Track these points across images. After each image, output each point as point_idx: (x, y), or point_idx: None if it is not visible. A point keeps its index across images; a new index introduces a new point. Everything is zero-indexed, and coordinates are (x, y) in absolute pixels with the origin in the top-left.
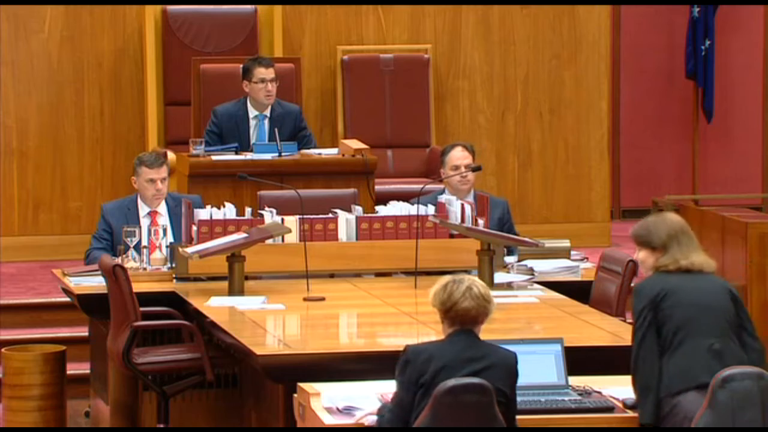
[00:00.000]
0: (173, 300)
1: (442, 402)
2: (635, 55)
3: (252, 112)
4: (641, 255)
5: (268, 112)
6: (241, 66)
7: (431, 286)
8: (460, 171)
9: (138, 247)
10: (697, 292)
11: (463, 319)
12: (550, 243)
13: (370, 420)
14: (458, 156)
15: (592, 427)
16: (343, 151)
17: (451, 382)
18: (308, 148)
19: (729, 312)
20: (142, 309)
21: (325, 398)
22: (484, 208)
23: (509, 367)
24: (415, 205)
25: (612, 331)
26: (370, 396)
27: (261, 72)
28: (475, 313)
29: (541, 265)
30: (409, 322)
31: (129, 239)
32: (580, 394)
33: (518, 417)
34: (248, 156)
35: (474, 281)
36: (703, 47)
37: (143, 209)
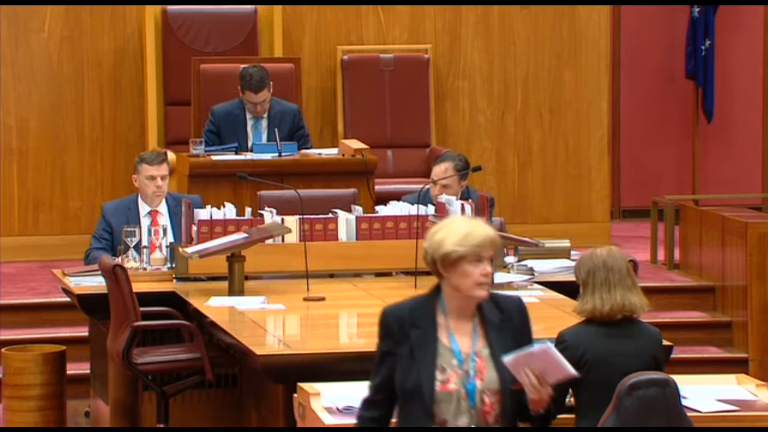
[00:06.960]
0: (173, 300)
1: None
2: (635, 55)
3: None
4: None
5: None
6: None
7: (431, 287)
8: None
9: (138, 247)
10: None
11: None
12: (550, 243)
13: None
14: (435, 173)
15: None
16: (343, 151)
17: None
18: (305, 148)
19: None
20: (142, 309)
21: (325, 398)
22: (484, 208)
23: None
24: (415, 205)
25: None
26: None
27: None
28: None
29: (541, 265)
30: None
31: (129, 239)
32: None
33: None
34: (248, 156)
35: None
36: (703, 47)
37: (144, 209)
